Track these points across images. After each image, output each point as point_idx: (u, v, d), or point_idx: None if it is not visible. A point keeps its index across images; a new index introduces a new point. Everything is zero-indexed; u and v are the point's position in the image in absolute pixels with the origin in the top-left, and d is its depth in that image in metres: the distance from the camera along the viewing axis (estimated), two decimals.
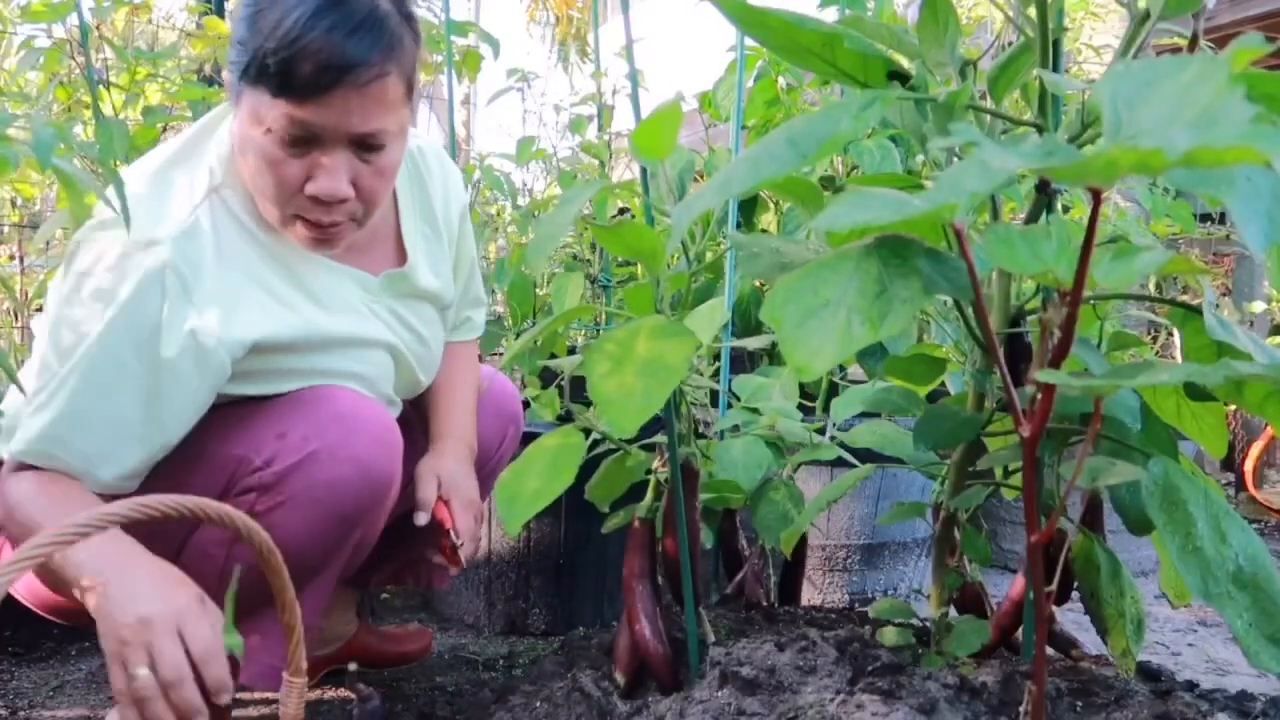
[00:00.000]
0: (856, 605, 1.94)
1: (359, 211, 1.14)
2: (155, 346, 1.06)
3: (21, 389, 0.99)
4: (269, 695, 1.41)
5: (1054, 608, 1.10)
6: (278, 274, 1.17)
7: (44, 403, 1.07)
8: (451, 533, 1.26)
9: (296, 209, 1.11)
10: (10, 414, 1.19)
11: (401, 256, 1.32)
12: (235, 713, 1.47)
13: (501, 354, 2.52)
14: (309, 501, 1.13)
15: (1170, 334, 3.06)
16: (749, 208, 2.33)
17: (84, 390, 1.06)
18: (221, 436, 1.15)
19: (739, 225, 2.09)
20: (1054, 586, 0.84)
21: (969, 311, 0.96)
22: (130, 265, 1.06)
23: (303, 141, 1.07)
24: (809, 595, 2.02)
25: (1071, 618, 1.72)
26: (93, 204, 0.89)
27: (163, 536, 1.14)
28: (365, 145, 1.10)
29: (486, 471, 1.49)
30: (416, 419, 1.41)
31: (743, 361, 2.32)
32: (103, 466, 1.08)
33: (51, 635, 1.72)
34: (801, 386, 1.84)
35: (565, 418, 2.03)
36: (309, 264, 1.20)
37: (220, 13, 2.33)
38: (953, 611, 1.17)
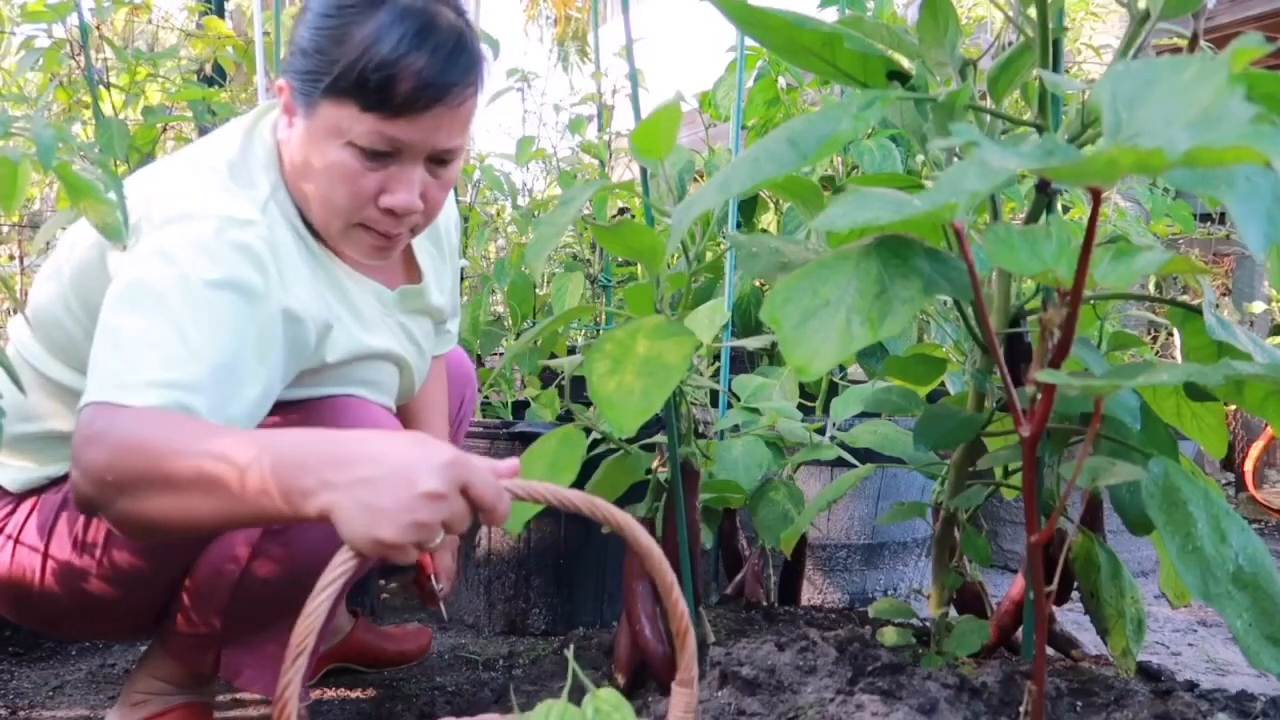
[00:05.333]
0: (856, 605, 1.94)
1: (420, 223, 1.17)
2: (262, 308, 1.05)
3: (21, 388, 0.98)
4: (269, 697, 1.41)
5: (1054, 608, 1.11)
6: (328, 285, 1.18)
7: (169, 358, 0.97)
8: (432, 577, 1.25)
9: (365, 219, 1.13)
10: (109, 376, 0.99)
11: (411, 272, 1.33)
12: (234, 713, 1.47)
13: (501, 354, 2.53)
14: None
15: (1170, 334, 3.06)
16: (749, 208, 2.33)
17: (212, 345, 0.99)
18: None
19: (739, 225, 2.09)
20: (1054, 586, 0.84)
21: (969, 311, 0.97)
22: (228, 238, 1.05)
23: (384, 155, 1.08)
24: (809, 595, 2.02)
25: (1071, 618, 1.72)
26: (97, 205, 0.87)
27: (171, 551, 1.14)
28: (440, 160, 1.12)
29: (449, 436, 1.53)
30: None
31: (743, 361, 2.32)
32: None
33: (51, 635, 1.72)
34: (801, 386, 1.85)
35: (565, 418, 2.03)
36: (344, 274, 1.21)
37: (220, 13, 2.33)
38: (953, 611, 1.17)
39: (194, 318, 0.99)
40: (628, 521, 0.78)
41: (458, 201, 2.36)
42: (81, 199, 0.83)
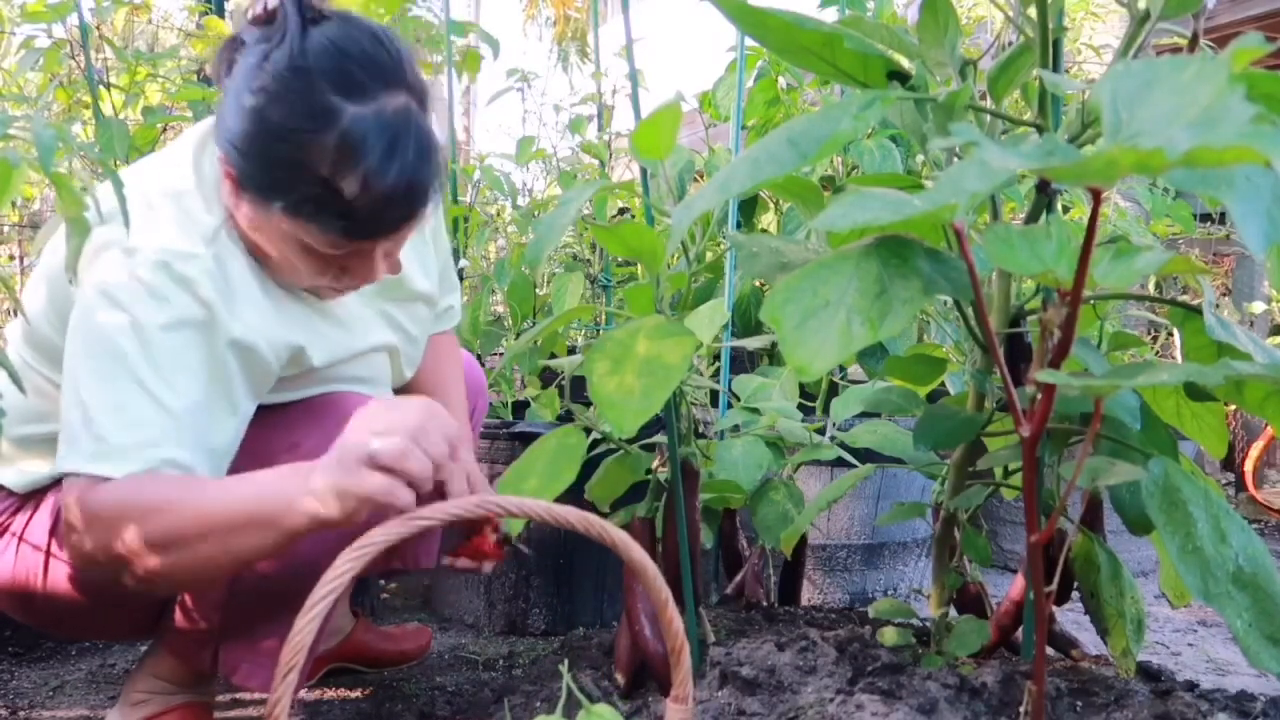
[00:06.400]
0: (856, 605, 1.94)
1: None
2: (216, 338, 1.05)
3: (21, 388, 0.98)
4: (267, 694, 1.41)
5: (1054, 608, 1.11)
6: (295, 302, 1.17)
7: (139, 418, 1.01)
8: (500, 527, 1.25)
9: (322, 286, 1.12)
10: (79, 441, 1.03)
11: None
12: (234, 713, 1.47)
13: (501, 354, 2.52)
14: None
15: (1170, 334, 3.06)
16: (749, 208, 2.33)
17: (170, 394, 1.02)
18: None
19: (739, 225, 2.09)
20: (1054, 586, 0.84)
21: (969, 311, 0.97)
22: (171, 274, 1.03)
23: (344, 255, 1.07)
24: (809, 595, 2.02)
25: (1071, 618, 1.72)
26: (81, 213, 0.87)
27: None
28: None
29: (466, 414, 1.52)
30: None
31: (743, 361, 2.32)
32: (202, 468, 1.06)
33: (52, 635, 1.72)
34: (801, 386, 1.84)
35: (565, 418, 2.03)
36: None
37: (220, 13, 2.32)
38: (953, 611, 1.17)
39: (154, 368, 1.01)
40: (622, 538, 0.78)
41: (457, 202, 2.36)
42: (70, 210, 0.83)
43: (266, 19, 1.00)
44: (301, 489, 0.92)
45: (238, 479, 1.00)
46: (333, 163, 0.98)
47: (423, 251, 1.35)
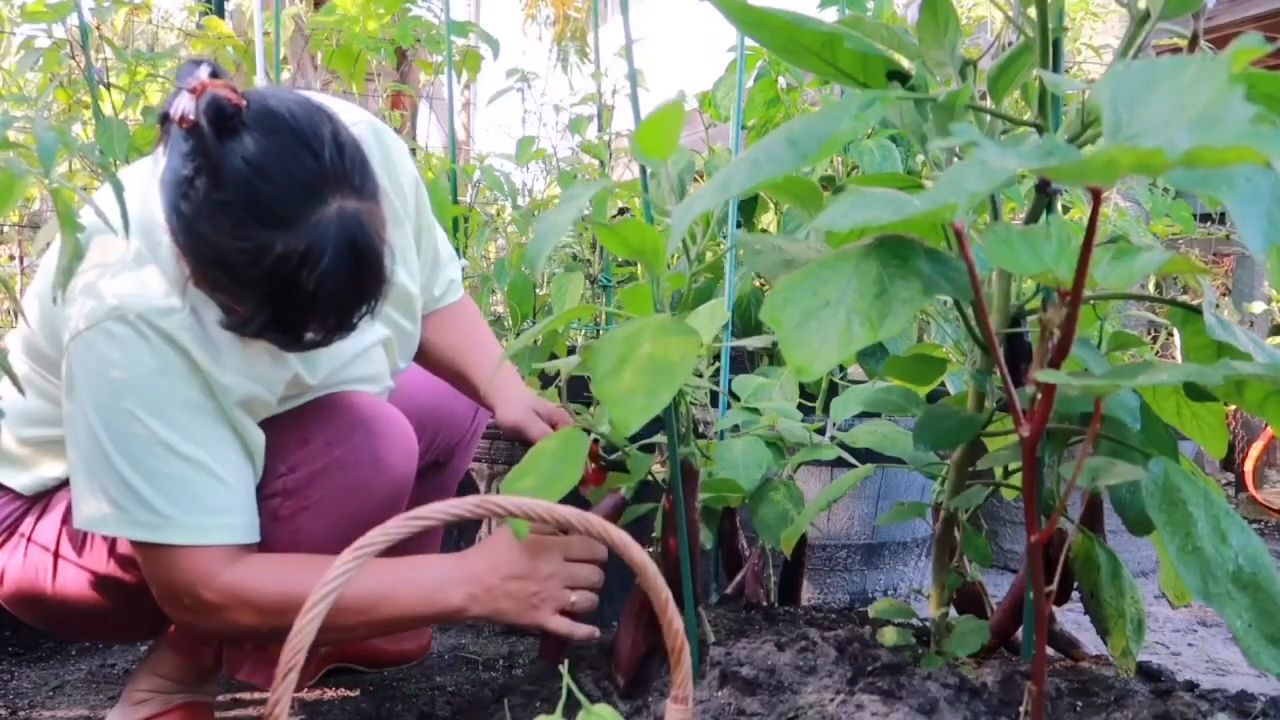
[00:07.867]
0: (856, 605, 1.94)
1: None
2: (216, 397, 1.08)
3: (21, 389, 0.98)
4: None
5: (1054, 608, 1.10)
6: None
7: (187, 485, 1.05)
8: (596, 455, 1.27)
9: None
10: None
11: None
12: (234, 713, 1.47)
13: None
14: (334, 504, 1.15)
15: (1170, 334, 3.06)
16: (749, 208, 2.33)
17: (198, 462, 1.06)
18: None
19: (739, 225, 2.09)
20: (1054, 586, 0.84)
21: (969, 311, 0.96)
22: (152, 334, 1.03)
23: None
24: (809, 595, 2.02)
25: (1071, 618, 1.72)
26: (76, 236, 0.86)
27: None
28: None
29: (460, 446, 1.53)
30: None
31: (743, 361, 2.32)
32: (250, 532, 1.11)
33: (53, 635, 1.72)
34: (801, 386, 1.84)
35: None
36: None
37: (220, 13, 2.33)
38: (953, 611, 1.17)
39: (180, 433, 1.05)
40: (622, 538, 0.79)
41: (456, 201, 2.36)
42: (68, 231, 0.83)
43: (190, 126, 0.96)
44: (483, 602, 1.14)
45: (409, 572, 1.12)
46: (270, 288, 0.98)
47: (404, 245, 1.34)
